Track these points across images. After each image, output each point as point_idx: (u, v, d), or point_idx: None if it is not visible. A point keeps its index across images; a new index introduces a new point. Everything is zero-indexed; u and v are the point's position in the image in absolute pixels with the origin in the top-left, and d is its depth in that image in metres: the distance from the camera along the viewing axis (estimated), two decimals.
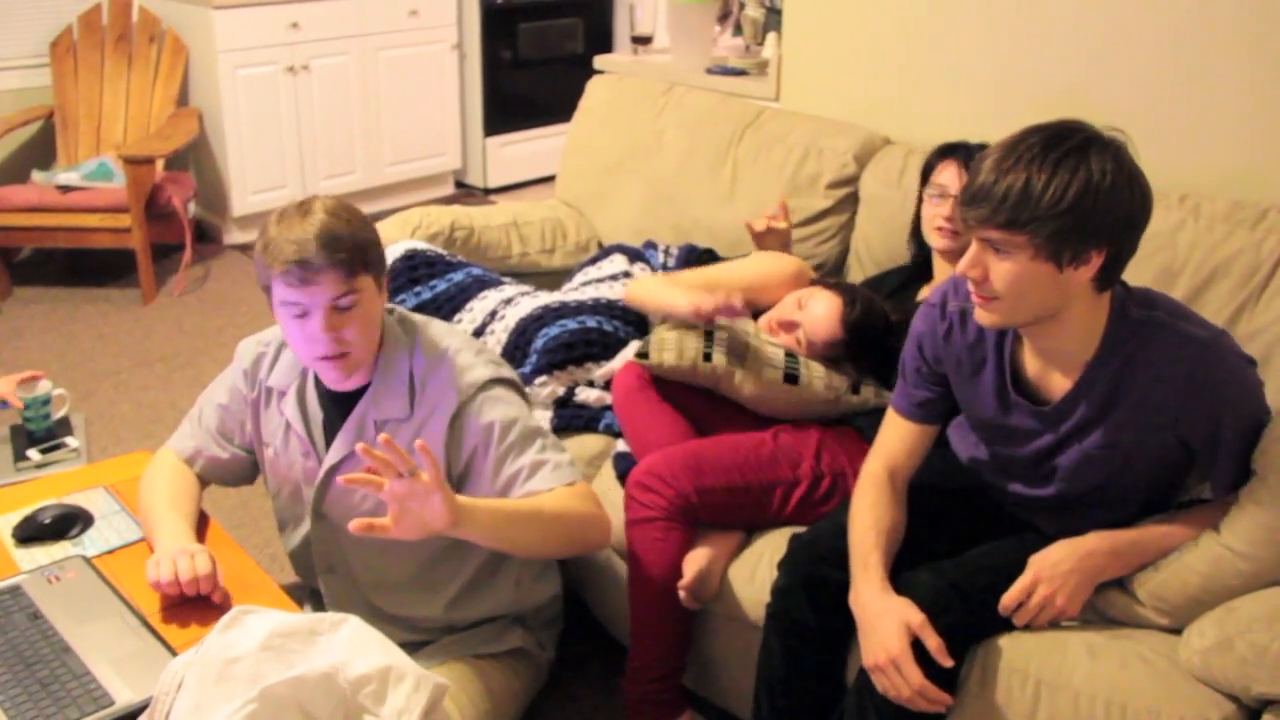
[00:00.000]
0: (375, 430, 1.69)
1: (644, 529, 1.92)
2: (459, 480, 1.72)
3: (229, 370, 1.86)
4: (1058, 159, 1.40)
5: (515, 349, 2.29)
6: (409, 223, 2.66)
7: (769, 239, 2.40)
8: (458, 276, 2.44)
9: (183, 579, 1.56)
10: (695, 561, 1.88)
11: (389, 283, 1.75)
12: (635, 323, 2.35)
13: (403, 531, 1.47)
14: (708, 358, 2.03)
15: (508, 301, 2.39)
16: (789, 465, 1.97)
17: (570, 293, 2.45)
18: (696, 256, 2.49)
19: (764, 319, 2.20)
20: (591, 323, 2.28)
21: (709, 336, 2.05)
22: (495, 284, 2.46)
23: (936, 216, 2.12)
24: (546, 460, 1.69)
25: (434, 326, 1.77)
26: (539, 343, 2.25)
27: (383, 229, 2.64)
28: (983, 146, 2.08)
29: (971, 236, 1.49)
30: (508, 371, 1.77)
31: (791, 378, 2.06)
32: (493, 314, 2.37)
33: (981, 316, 1.54)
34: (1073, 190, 1.39)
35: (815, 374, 2.07)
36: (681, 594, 1.88)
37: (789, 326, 2.14)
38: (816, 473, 1.97)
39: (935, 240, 2.14)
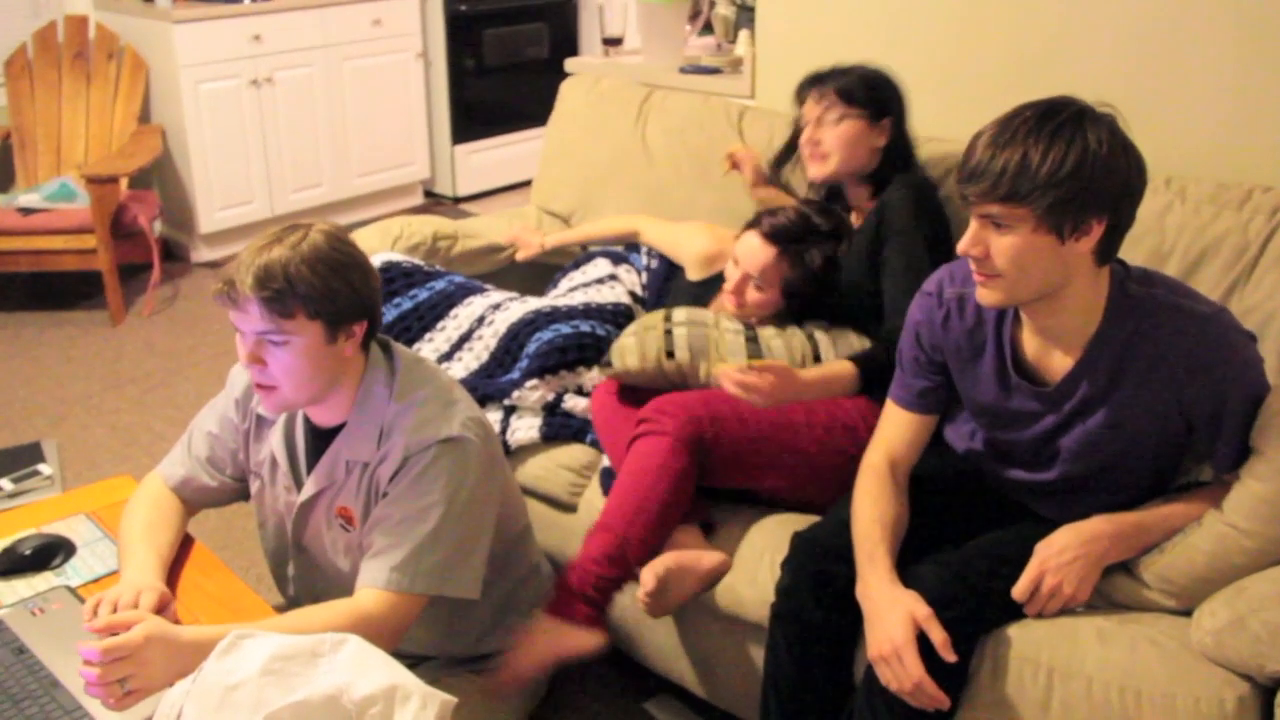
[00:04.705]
0: (346, 469, 1.67)
1: (650, 441, 1.88)
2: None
3: (221, 397, 1.81)
4: (1053, 131, 1.42)
5: (505, 353, 2.26)
6: (389, 233, 2.62)
7: (762, 190, 2.49)
8: (440, 284, 2.41)
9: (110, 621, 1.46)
10: (654, 568, 1.81)
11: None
12: (625, 327, 2.33)
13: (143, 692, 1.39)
14: (670, 355, 2.03)
15: (496, 307, 2.36)
16: (803, 411, 1.95)
17: (559, 298, 2.43)
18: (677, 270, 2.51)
19: (719, 299, 2.19)
20: (585, 327, 2.26)
21: (668, 335, 2.04)
22: (480, 290, 2.44)
23: (804, 145, 2.21)
24: (402, 556, 1.59)
25: (418, 370, 1.70)
26: (531, 346, 2.22)
27: (363, 239, 2.59)
28: (852, 66, 2.20)
29: (971, 214, 1.49)
30: (473, 431, 1.65)
31: (755, 358, 2.04)
32: (481, 319, 2.34)
33: (984, 296, 1.53)
34: (1071, 160, 1.40)
35: (775, 350, 2.04)
36: (642, 600, 1.81)
37: (740, 289, 2.12)
38: (829, 423, 1.94)
39: (809, 168, 2.21)
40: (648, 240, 2.58)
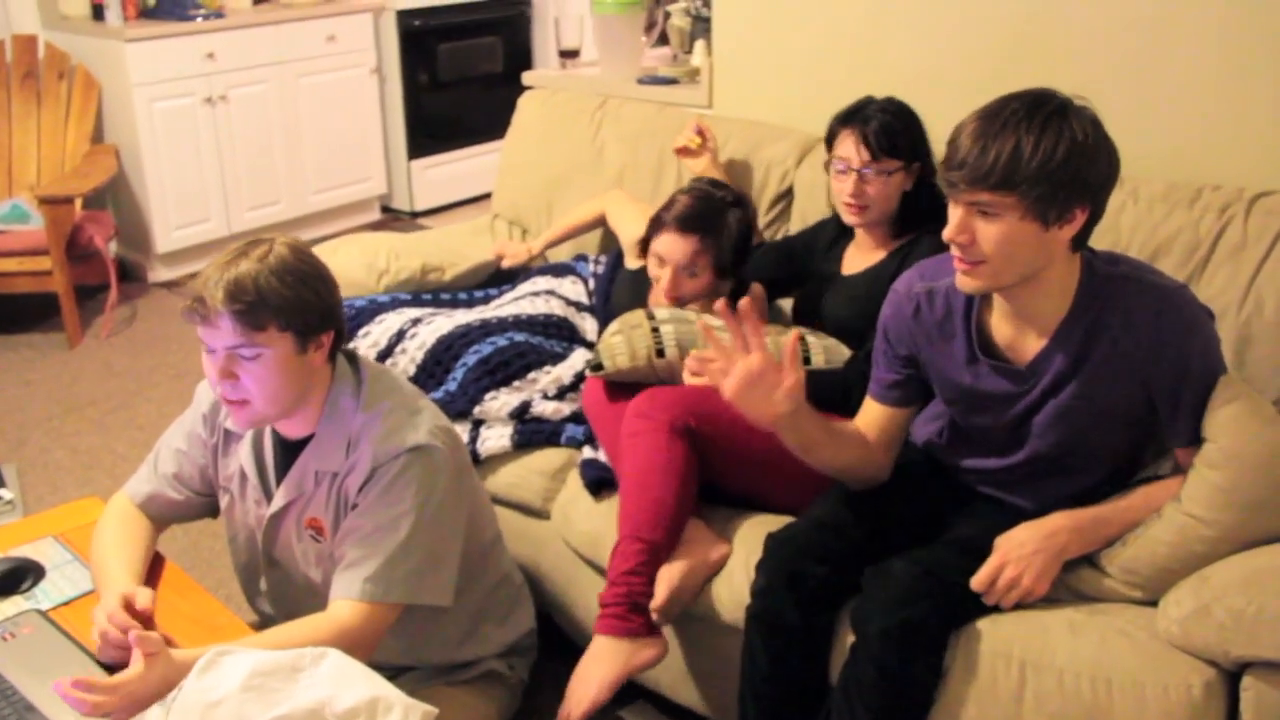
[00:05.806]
0: (315, 480, 1.67)
1: (645, 438, 1.90)
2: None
3: (187, 413, 1.80)
4: (1043, 121, 1.46)
5: (436, 364, 2.26)
6: (374, 268, 2.61)
7: (697, 161, 2.51)
8: (359, 303, 2.44)
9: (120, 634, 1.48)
10: (666, 580, 1.84)
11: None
12: (564, 334, 2.38)
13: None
14: (660, 353, 2.05)
15: (416, 321, 2.37)
16: None
17: (490, 311, 2.46)
18: (623, 261, 2.55)
19: (655, 295, 2.23)
20: (519, 338, 2.29)
21: (656, 333, 2.07)
22: (393, 307, 2.45)
23: (843, 192, 2.11)
24: (375, 566, 1.59)
25: (382, 380, 1.71)
26: (464, 361, 2.23)
27: (345, 273, 2.54)
28: (889, 102, 2.12)
29: (957, 202, 1.52)
30: (440, 439, 1.65)
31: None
32: (400, 333, 2.34)
33: (965, 283, 1.57)
34: (1061, 149, 1.45)
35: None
36: (653, 613, 1.84)
37: (675, 284, 2.18)
38: None
39: (846, 216, 2.13)
40: (609, 223, 2.63)
